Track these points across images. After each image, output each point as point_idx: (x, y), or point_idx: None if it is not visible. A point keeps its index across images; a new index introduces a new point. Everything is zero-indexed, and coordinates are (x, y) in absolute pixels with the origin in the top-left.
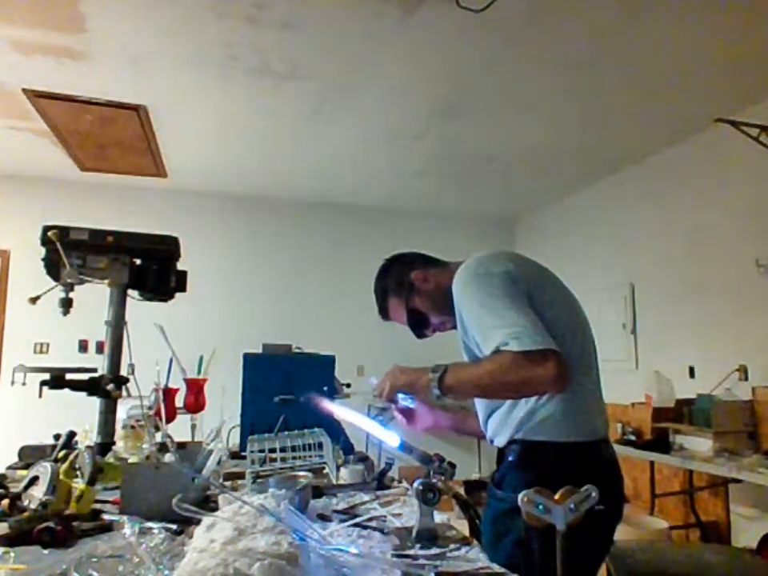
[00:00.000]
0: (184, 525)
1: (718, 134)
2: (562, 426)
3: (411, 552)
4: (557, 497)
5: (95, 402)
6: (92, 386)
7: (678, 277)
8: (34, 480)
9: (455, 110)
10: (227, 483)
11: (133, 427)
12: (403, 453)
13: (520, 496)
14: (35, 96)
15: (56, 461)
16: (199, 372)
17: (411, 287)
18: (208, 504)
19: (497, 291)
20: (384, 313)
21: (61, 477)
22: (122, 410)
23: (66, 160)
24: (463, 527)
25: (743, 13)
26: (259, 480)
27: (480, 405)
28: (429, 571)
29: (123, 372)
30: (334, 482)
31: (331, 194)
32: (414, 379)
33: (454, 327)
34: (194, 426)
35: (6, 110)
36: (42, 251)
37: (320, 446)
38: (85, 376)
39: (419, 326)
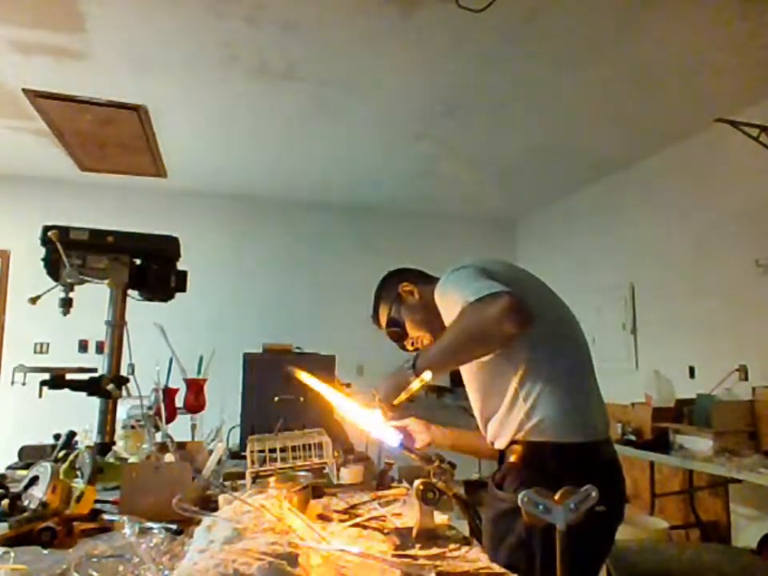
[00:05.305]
0: (184, 525)
1: (718, 134)
2: (561, 427)
3: (411, 552)
4: (557, 497)
5: (95, 402)
6: (92, 386)
7: (678, 277)
8: (34, 480)
9: (455, 110)
10: (227, 483)
11: (133, 427)
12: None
13: (520, 496)
14: (35, 96)
15: (56, 461)
16: (199, 372)
17: (397, 298)
18: (208, 504)
19: (467, 274)
20: (376, 320)
21: (61, 477)
22: (122, 410)
23: (66, 160)
24: (463, 527)
25: (743, 13)
26: (259, 480)
27: (478, 409)
28: (429, 571)
29: (123, 372)
30: (334, 481)
31: (331, 193)
32: (395, 378)
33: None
34: (194, 426)
35: (6, 110)
36: (42, 251)
37: (320, 445)
38: (85, 376)
39: (395, 336)
